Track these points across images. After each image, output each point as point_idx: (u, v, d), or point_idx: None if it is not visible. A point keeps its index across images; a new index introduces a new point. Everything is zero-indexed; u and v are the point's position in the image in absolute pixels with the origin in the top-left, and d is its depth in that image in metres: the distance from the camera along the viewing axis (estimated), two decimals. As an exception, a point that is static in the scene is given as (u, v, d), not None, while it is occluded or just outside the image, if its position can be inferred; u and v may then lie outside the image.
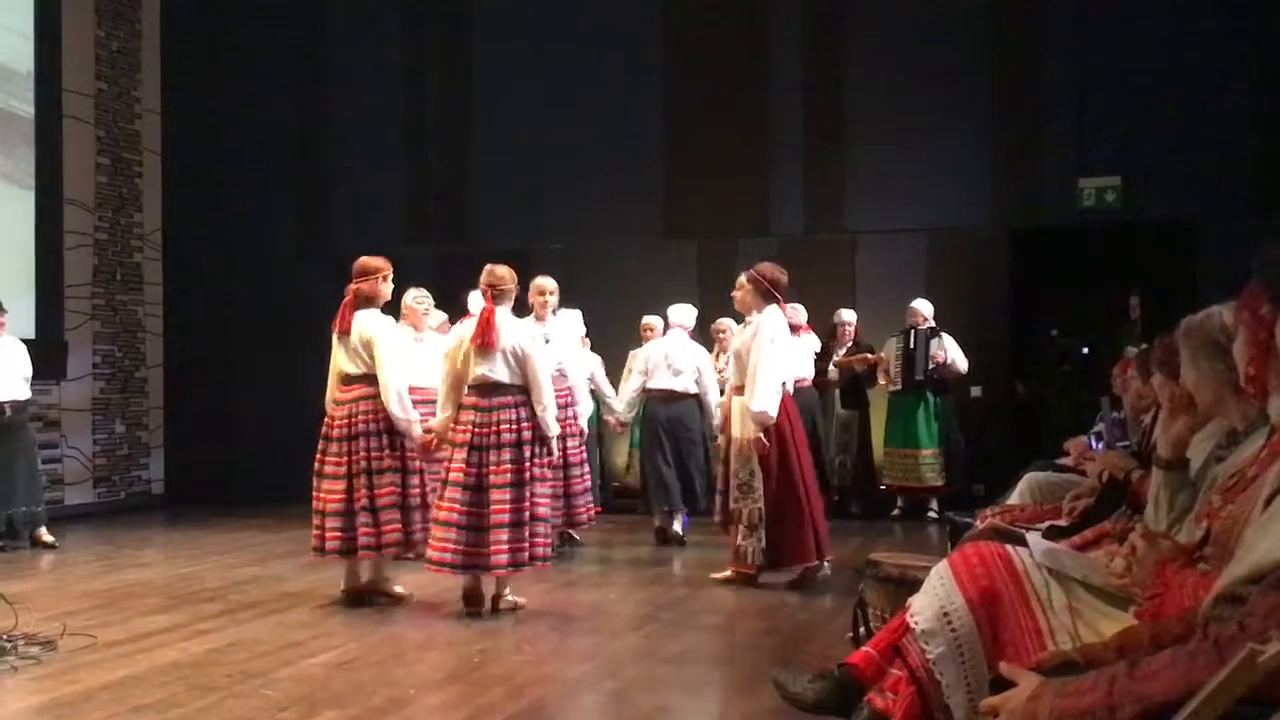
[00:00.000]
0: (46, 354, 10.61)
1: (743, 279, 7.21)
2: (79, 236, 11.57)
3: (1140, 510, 3.51)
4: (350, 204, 12.30)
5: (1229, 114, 10.09)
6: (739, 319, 8.05)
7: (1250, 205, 9.66)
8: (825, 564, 7.21)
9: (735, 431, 7.07)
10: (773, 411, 6.83)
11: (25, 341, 9.44)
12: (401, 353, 6.70)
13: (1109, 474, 4.21)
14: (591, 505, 8.52)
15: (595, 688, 4.82)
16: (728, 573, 7.11)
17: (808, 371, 10.00)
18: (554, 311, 8.29)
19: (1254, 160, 9.97)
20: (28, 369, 9.13)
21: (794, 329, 9.88)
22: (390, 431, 6.44)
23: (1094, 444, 6.08)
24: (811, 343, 10.16)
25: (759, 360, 6.84)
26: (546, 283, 8.19)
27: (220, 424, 12.39)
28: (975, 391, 10.76)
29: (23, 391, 9.06)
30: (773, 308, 7.06)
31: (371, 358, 6.46)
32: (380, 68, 12.35)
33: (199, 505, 11.65)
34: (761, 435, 6.84)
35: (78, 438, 11.52)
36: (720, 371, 9.45)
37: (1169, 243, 10.48)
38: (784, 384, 7.07)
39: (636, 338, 10.09)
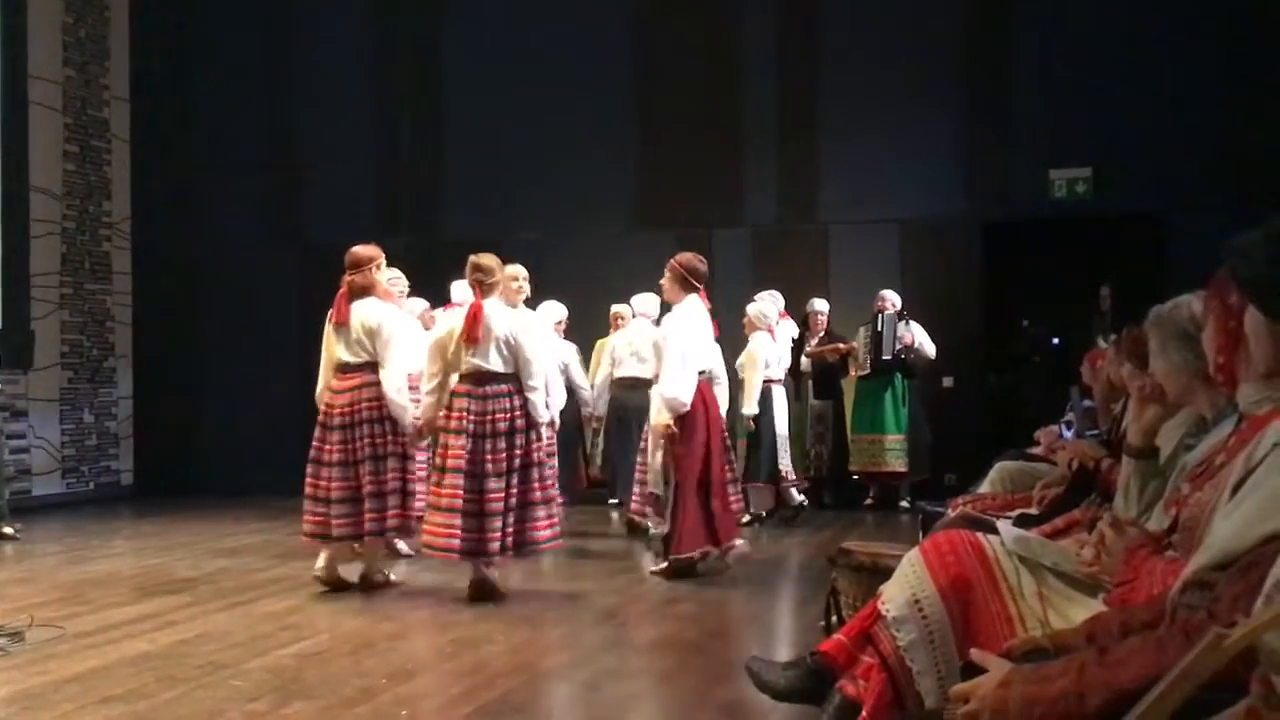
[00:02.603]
0: (13, 343, 10.51)
1: (667, 269, 7.28)
2: (47, 225, 11.47)
3: (1110, 498, 3.53)
4: (321, 193, 12.23)
5: (1199, 107, 10.14)
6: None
7: (1220, 197, 9.73)
8: (739, 543, 7.25)
9: (652, 418, 7.23)
10: (685, 398, 6.87)
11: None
12: (407, 340, 6.82)
13: (1079, 463, 4.24)
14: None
15: (568, 677, 4.82)
16: (664, 564, 7.12)
17: (785, 359, 10.02)
18: (526, 300, 8.26)
19: (1223, 153, 10.03)
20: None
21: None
22: (393, 418, 6.55)
23: (1064, 433, 6.12)
24: (789, 330, 10.19)
25: (671, 348, 6.91)
26: (518, 270, 8.13)
27: (190, 414, 12.31)
28: (947, 381, 10.83)
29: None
30: (692, 297, 7.11)
31: (374, 346, 6.53)
32: (351, 56, 12.27)
33: (168, 496, 11.59)
34: (670, 420, 6.89)
35: (45, 428, 11.43)
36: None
37: (1139, 234, 10.55)
38: (702, 372, 7.08)
39: (608, 328, 10.10)
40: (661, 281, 7.30)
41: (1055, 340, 12.81)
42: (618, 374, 9.16)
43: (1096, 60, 10.46)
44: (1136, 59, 10.33)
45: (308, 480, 6.63)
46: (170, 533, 9.28)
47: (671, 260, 7.22)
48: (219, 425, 12.29)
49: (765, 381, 9.43)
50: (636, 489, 8.23)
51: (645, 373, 8.94)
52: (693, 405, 6.95)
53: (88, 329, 12.05)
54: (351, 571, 6.73)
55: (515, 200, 11.68)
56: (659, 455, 7.17)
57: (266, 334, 12.14)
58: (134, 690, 4.48)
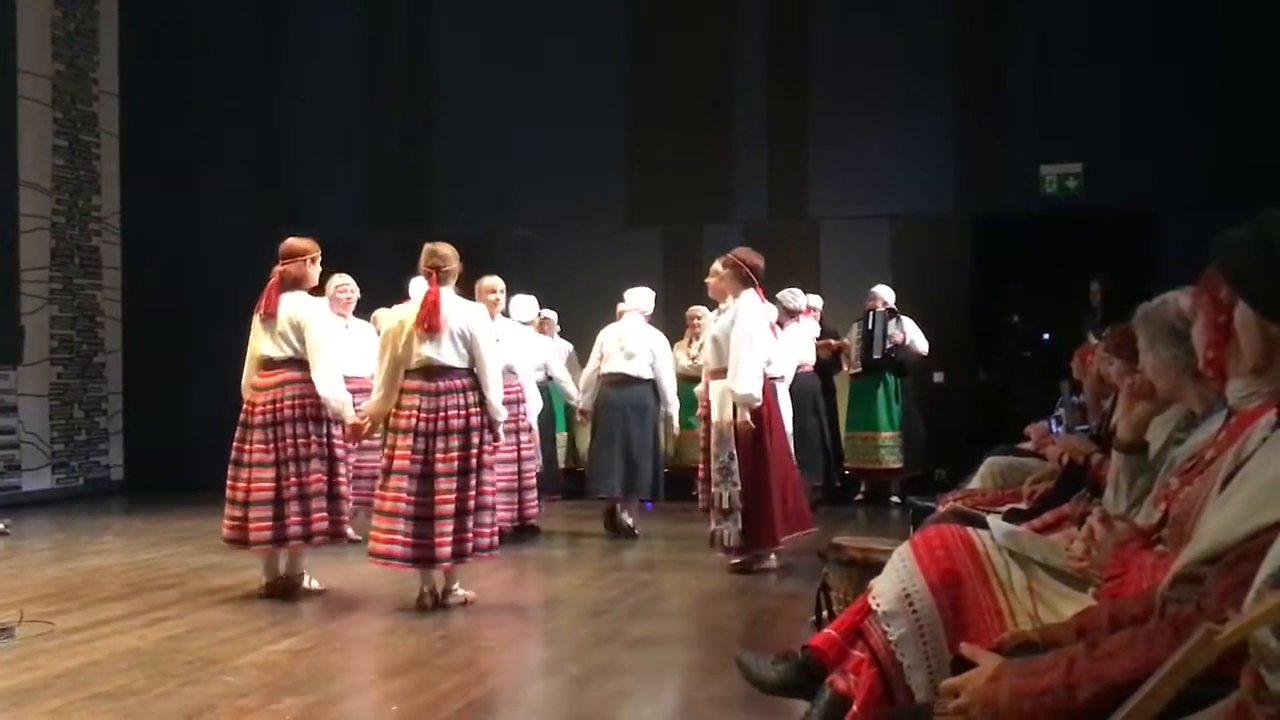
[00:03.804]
0: (3, 338, 10.48)
1: (718, 265, 7.21)
2: (36, 219, 11.43)
3: (1100, 493, 3.54)
4: (312, 189, 12.19)
5: (1190, 103, 10.17)
6: (711, 305, 8.01)
7: (1210, 193, 9.74)
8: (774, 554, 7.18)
9: (715, 415, 7.04)
10: (758, 394, 6.84)
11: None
12: (335, 336, 6.52)
13: (1069, 458, 4.25)
14: (537, 501, 8.46)
15: (557, 673, 4.82)
16: (741, 559, 7.05)
17: (809, 356, 9.97)
18: (504, 311, 8.24)
19: (1214, 149, 10.06)
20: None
21: (793, 313, 9.89)
22: (316, 418, 6.22)
23: (1054, 428, 6.13)
24: (811, 328, 10.17)
25: (741, 344, 6.84)
26: (495, 282, 8.04)
27: (180, 410, 12.26)
28: (937, 377, 10.85)
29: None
30: (750, 292, 7.06)
31: (300, 341, 6.22)
32: (342, 51, 12.25)
33: (158, 491, 11.55)
34: (748, 417, 6.84)
35: (35, 423, 11.39)
36: (693, 358, 9.46)
37: (1130, 230, 10.57)
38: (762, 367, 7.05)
39: (600, 324, 10.08)
40: (711, 279, 7.23)
41: (1045, 336, 12.83)
42: (605, 369, 8.88)
43: (1088, 56, 10.48)
44: (1128, 55, 10.35)
45: (227, 482, 6.33)
46: (160, 528, 9.25)
47: (730, 255, 7.16)
48: (209, 420, 12.19)
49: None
50: (700, 484, 7.95)
51: (632, 370, 8.77)
52: (766, 399, 6.92)
53: (78, 324, 12.01)
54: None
55: (506, 197, 11.65)
56: (725, 454, 6.95)
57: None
58: (124, 686, 4.47)
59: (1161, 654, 1.66)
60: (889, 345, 10.25)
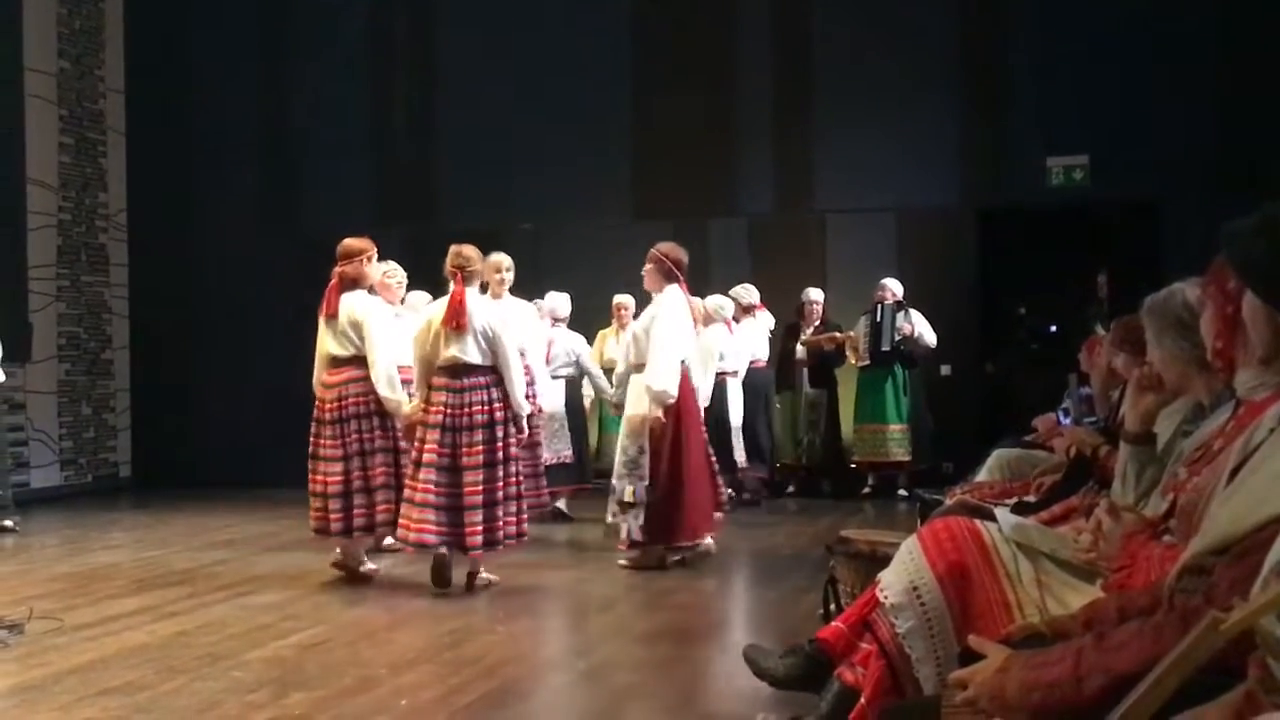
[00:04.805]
0: (11, 336, 10.48)
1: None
2: (43, 217, 11.44)
3: (1108, 485, 3.54)
4: (317, 184, 12.20)
5: (1196, 95, 10.14)
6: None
7: (1216, 185, 9.71)
8: (708, 541, 7.16)
9: (629, 409, 7.09)
10: (673, 390, 6.83)
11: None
12: (391, 334, 6.74)
13: (1077, 450, 4.24)
14: (545, 488, 8.52)
15: (567, 667, 4.83)
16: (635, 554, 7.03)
17: (762, 352, 10.10)
18: (509, 289, 8.21)
19: (1220, 140, 10.03)
20: (-1, 351, 9.04)
21: (748, 309, 10.04)
22: (381, 413, 6.54)
23: (1062, 420, 6.13)
24: (766, 321, 10.24)
25: (658, 340, 6.86)
26: (502, 259, 7.99)
27: (188, 406, 12.29)
28: (944, 370, 10.83)
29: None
30: (673, 288, 7.07)
31: (361, 339, 6.52)
32: (347, 47, 12.23)
33: (167, 488, 11.58)
34: (660, 413, 6.83)
35: (43, 420, 11.41)
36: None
37: (1136, 222, 10.55)
38: (681, 363, 7.04)
39: (605, 318, 10.11)
40: (643, 271, 7.24)
41: (1052, 328, 12.80)
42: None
43: (1093, 48, 10.44)
44: (1133, 46, 10.31)
45: (309, 476, 6.67)
46: (168, 524, 9.27)
47: (653, 250, 7.16)
48: (216, 417, 12.27)
49: (719, 374, 9.44)
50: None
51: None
52: (684, 396, 6.92)
53: (85, 321, 12.03)
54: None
55: (511, 192, 11.65)
56: (632, 448, 6.98)
57: (263, 325, 12.12)
58: (133, 682, 4.48)
59: (1169, 645, 1.66)
60: (897, 338, 10.25)
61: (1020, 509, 3.81)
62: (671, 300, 7.02)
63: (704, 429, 7.44)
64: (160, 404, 12.39)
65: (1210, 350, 2.31)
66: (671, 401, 6.85)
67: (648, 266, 7.15)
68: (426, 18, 12.17)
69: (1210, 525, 1.96)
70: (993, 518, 3.05)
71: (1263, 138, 9.72)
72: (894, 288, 10.37)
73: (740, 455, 9.71)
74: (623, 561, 7.03)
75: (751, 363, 9.97)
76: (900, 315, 10.29)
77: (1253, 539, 1.77)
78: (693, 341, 7.34)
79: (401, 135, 12.24)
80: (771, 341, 10.44)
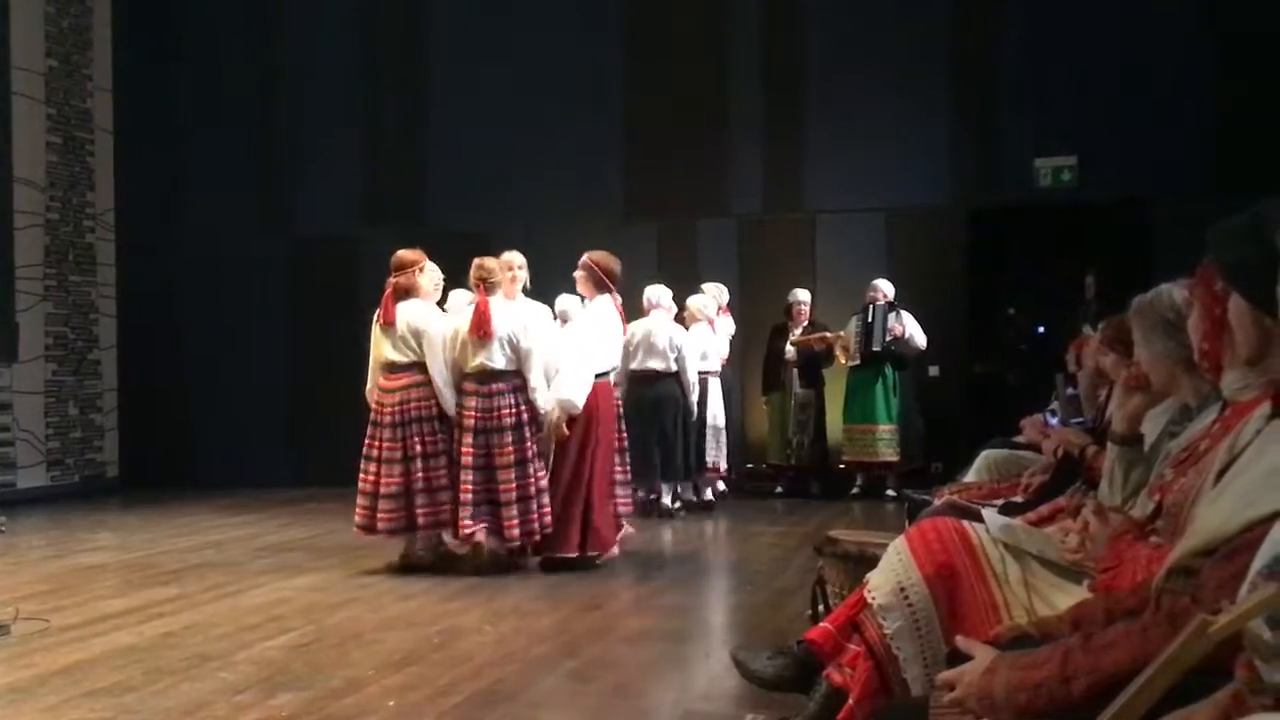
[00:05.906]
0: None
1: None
2: (30, 216, 11.40)
3: (1095, 486, 3.54)
4: (308, 185, 12.18)
5: (1184, 95, 10.18)
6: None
7: (1205, 185, 9.76)
8: (598, 560, 7.09)
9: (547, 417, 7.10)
10: (579, 401, 6.82)
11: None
12: (446, 340, 7.03)
13: (1064, 450, 4.24)
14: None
15: (555, 667, 4.82)
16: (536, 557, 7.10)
17: (723, 351, 10.14)
18: (524, 289, 8.17)
19: (1208, 140, 10.07)
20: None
21: (719, 309, 10.16)
22: (441, 417, 6.92)
23: (1049, 421, 6.13)
24: (727, 325, 10.29)
25: (576, 348, 6.92)
26: (514, 257, 7.89)
27: (175, 406, 12.27)
28: (933, 370, 10.86)
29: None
30: (604, 297, 7.09)
31: (420, 346, 6.90)
32: (338, 47, 12.22)
33: (154, 488, 11.55)
34: (564, 425, 6.83)
35: (30, 420, 11.37)
36: None
37: (1124, 222, 10.58)
38: (606, 374, 7.06)
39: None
40: (576, 274, 7.23)
41: (1040, 328, 12.84)
42: (634, 367, 9.17)
43: (1082, 48, 10.48)
44: (1122, 46, 10.35)
45: (359, 475, 6.97)
46: (156, 525, 9.25)
47: (585, 258, 7.16)
48: (205, 417, 12.25)
49: (701, 374, 9.49)
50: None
51: (661, 366, 9.18)
52: (586, 407, 6.86)
53: (72, 321, 11.99)
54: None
55: (501, 193, 11.64)
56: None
57: (252, 325, 12.11)
58: (120, 683, 4.46)
59: (1156, 646, 1.66)
60: (888, 338, 10.28)
61: (1008, 509, 3.81)
62: (599, 310, 7.06)
63: (618, 439, 7.37)
64: (148, 404, 12.36)
65: (1197, 351, 2.32)
66: (577, 411, 6.84)
67: (579, 274, 7.19)
68: (418, 19, 12.15)
69: (1197, 526, 1.96)
70: (980, 518, 3.05)
71: (1250, 139, 9.76)
72: (885, 288, 10.40)
73: (720, 456, 9.80)
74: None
75: (721, 361, 10.11)
76: (891, 316, 10.32)
77: (1240, 540, 1.77)
78: (618, 350, 7.41)
79: (392, 136, 12.23)
80: (733, 342, 10.46)
